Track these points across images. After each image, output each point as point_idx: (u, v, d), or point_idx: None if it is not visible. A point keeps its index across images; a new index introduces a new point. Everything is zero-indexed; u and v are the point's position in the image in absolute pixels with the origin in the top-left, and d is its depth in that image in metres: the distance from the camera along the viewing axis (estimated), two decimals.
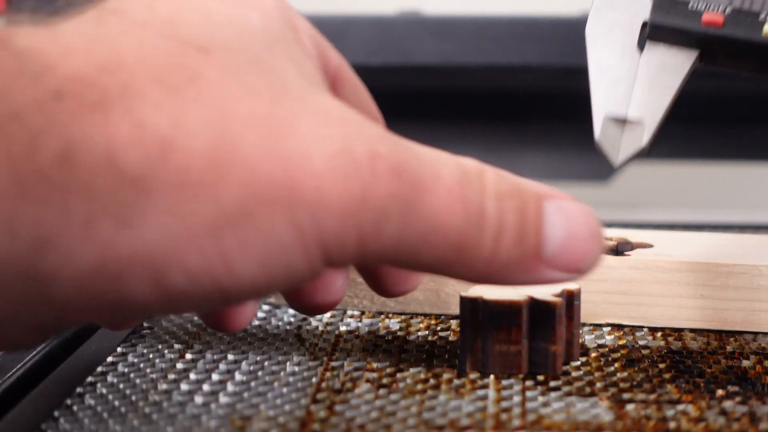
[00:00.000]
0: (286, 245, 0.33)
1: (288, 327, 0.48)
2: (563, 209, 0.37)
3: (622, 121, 0.43)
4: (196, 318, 0.49)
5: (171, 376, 0.42)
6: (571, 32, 0.74)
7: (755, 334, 0.47)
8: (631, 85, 0.43)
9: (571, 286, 0.43)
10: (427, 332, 0.47)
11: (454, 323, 0.49)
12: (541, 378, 0.41)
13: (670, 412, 0.38)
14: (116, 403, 0.39)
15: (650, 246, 0.51)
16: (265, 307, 0.51)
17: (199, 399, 0.39)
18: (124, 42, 0.34)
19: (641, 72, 0.44)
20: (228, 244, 0.32)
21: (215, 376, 0.42)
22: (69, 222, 0.31)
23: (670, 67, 0.44)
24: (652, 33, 0.44)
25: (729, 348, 0.45)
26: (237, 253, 0.32)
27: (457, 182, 0.35)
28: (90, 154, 0.31)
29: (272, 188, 0.33)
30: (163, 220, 0.32)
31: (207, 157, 0.32)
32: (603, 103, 0.44)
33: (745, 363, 0.43)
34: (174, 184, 0.32)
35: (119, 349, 0.45)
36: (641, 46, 0.44)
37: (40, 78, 0.32)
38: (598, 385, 0.41)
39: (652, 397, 0.40)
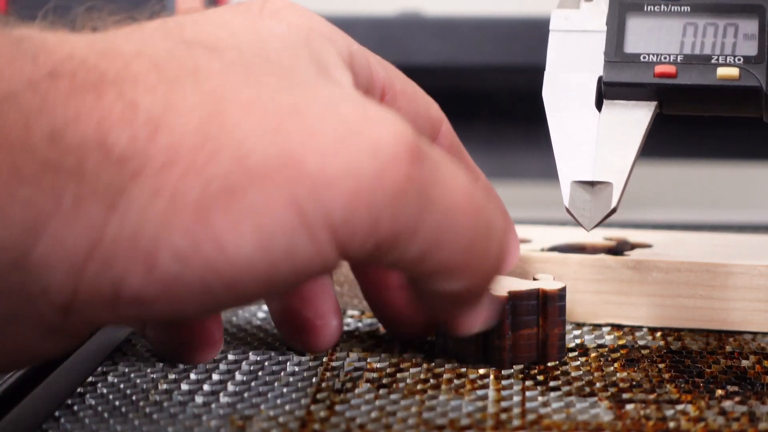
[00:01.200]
0: (286, 224, 0.32)
1: None
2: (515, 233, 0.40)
3: (589, 186, 0.43)
4: None
5: (171, 376, 0.42)
6: None
7: (754, 334, 0.47)
8: (593, 148, 0.43)
9: (548, 286, 0.43)
10: None
11: None
12: (540, 378, 0.42)
13: (669, 412, 0.38)
14: (117, 402, 0.39)
15: (649, 246, 0.51)
16: (266, 308, 0.51)
17: (199, 399, 0.40)
18: (127, 38, 0.34)
19: (602, 132, 0.43)
20: (217, 223, 0.31)
21: (216, 376, 0.42)
22: (59, 203, 0.31)
23: (630, 123, 0.43)
24: (608, 91, 0.44)
25: (728, 348, 0.46)
26: (228, 232, 0.31)
27: (471, 184, 0.35)
28: (79, 133, 0.31)
29: (265, 164, 0.32)
30: (147, 201, 0.31)
31: (196, 136, 0.32)
32: (568, 170, 0.43)
33: (745, 363, 0.43)
34: (160, 163, 0.31)
35: (120, 349, 0.45)
36: (599, 105, 0.44)
37: (37, 59, 0.32)
38: (598, 384, 0.41)
39: (652, 396, 0.40)
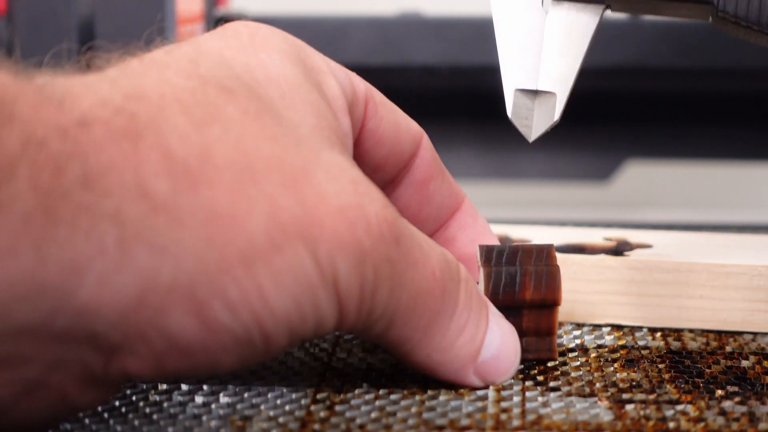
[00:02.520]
0: (312, 281, 0.34)
1: None
2: (500, 324, 0.40)
3: (533, 95, 0.42)
4: None
5: None
6: None
7: (754, 334, 0.47)
8: (538, 53, 0.42)
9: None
10: None
11: None
12: (540, 378, 0.42)
13: (669, 412, 0.38)
14: (117, 402, 0.39)
15: (650, 246, 0.51)
16: None
17: (199, 399, 0.40)
18: (147, 77, 0.35)
19: (548, 37, 0.42)
20: (262, 276, 0.33)
21: (216, 376, 0.42)
22: (102, 246, 0.31)
23: (577, 27, 0.42)
24: None
25: (728, 348, 0.46)
26: (271, 286, 0.33)
27: (440, 268, 0.38)
28: (117, 178, 0.31)
29: (296, 223, 0.34)
30: (199, 250, 0.32)
31: (234, 192, 0.33)
32: (512, 77, 0.42)
33: (745, 363, 0.43)
34: (205, 215, 0.32)
35: None
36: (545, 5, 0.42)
37: (64, 105, 0.32)
38: (598, 385, 0.41)
39: (652, 397, 0.40)
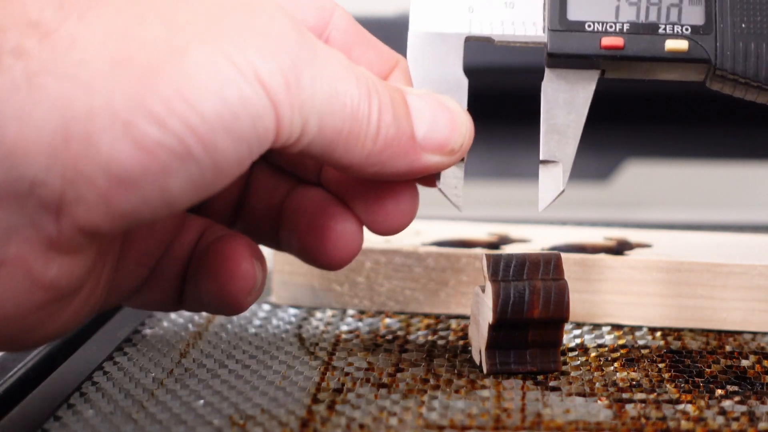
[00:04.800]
0: (230, 76, 0.33)
1: (289, 327, 0.48)
2: (422, 97, 0.39)
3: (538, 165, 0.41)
4: (197, 317, 0.49)
5: (173, 376, 0.42)
6: None
7: (754, 333, 0.47)
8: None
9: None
10: (427, 332, 0.48)
11: (454, 323, 0.49)
12: (540, 378, 0.42)
13: (669, 412, 0.38)
14: (118, 402, 0.39)
15: (649, 246, 0.51)
16: (266, 307, 0.51)
17: (201, 398, 0.40)
18: None
19: (547, 107, 0.42)
20: (176, 80, 0.32)
21: (217, 376, 0.42)
22: (12, 82, 0.31)
23: (575, 95, 0.42)
24: (551, 61, 0.42)
25: (728, 348, 0.46)
26: (189, 88, 0.33)
27: (346, 60, 0.37)
28: (7, 13, 0.32)
29: (194, 26, 0.34)
30: (104, 71, 0.32)
31: (122, 12, 0.33)
32: None
33: (744, 363, 0.44)
34: (100, 37, 0.32)
35: (121, 349, 0.45)
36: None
37: None
38: (598, 384, 0.41)
39: (652, 396, 0.40)
